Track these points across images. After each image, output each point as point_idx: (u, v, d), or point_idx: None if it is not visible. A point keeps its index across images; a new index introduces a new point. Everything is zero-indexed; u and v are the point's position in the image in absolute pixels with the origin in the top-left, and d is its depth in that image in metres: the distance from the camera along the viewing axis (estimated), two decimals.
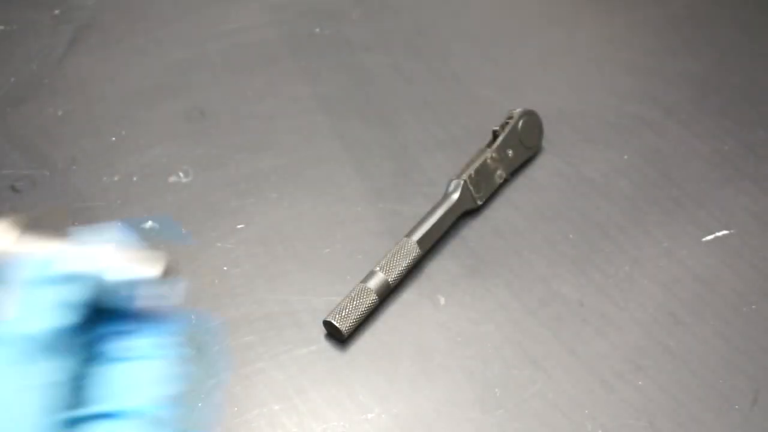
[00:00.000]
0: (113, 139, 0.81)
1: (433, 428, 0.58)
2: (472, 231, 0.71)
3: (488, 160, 0.72)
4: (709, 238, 0.70)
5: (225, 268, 0.69)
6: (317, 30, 0.93)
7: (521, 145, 0.75)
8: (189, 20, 0.95)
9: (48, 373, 0.30)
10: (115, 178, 0.77)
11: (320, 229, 0.72)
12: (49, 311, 0.31)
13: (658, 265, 0.68)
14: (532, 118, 0.76)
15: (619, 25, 0.93)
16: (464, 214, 0.71)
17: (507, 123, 0.75)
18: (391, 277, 0.64)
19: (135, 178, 0.77)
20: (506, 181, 0.74)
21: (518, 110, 0.75)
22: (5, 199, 0.76)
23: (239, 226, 0.72)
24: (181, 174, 0.77)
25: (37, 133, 0.82)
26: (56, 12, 0.96)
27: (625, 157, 0.77)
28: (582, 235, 0.70)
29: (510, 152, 0.74)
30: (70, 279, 0.33)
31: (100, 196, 0.76)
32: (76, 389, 0.32)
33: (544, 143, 0.78)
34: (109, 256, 0.35)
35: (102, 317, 0.34)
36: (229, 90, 0.86)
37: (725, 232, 0.70)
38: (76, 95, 0.86)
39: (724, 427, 0.58)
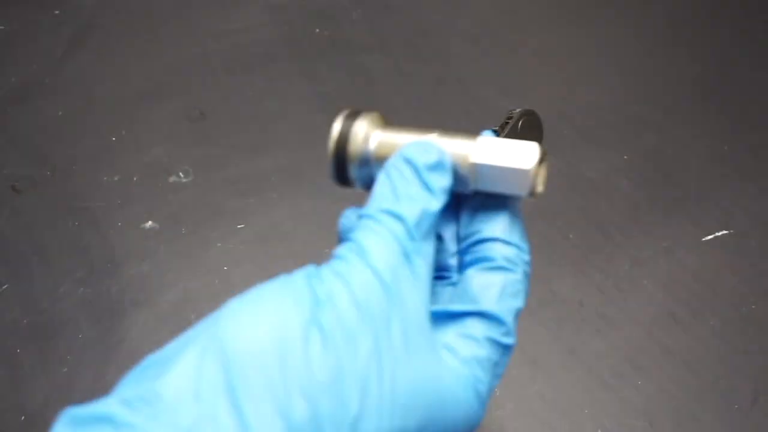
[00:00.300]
0: (113, 139, 0.81)
1: None
2: None
3: None
4: (708, 237, 0.70)
5: (225, 268, 0.69)
6: (317, 30, 0.93)
7: None
8: (189, 20, 0.95)
9: (423, 257, 0.32)
10: (115, 178, 0.77)
11: (320, 229, 0.72)
12: (423, 197, 0.33)
13: (657, 264, 0.68)
14: (532, 118, 0.76)
15: (620, 25, 0.93)
16: None
17: (507, 123, 0.74)
18: None
19: (135, 178, 0.77)
20: None
21: (518, 110, 0.75)
22: (5, 199, 0.76)
23: (239, 226, 0.72)
24: (181, 174, 0.77)
25: (37, 133, 0.82)
26: (56, 12, 0.96)
27: (625, 157, 0.77)
28: (582, 235, 0.70)
29: None
30: (442, 166, 0.34)
31: (100, 196, 0.76)
32: (436, 280, 0.34)
33: (544, 143, 0.78)
34: (483, 146, 0.35)
35: (469, 209, 0.36)
36: (229, 90, 0.86)
37: (725, 232, 0.70)
38: (76, 95, 0.86)
39: (724, 426, 0.58)
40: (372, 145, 0.36)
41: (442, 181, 0.34)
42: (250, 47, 0.91)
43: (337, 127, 0.37)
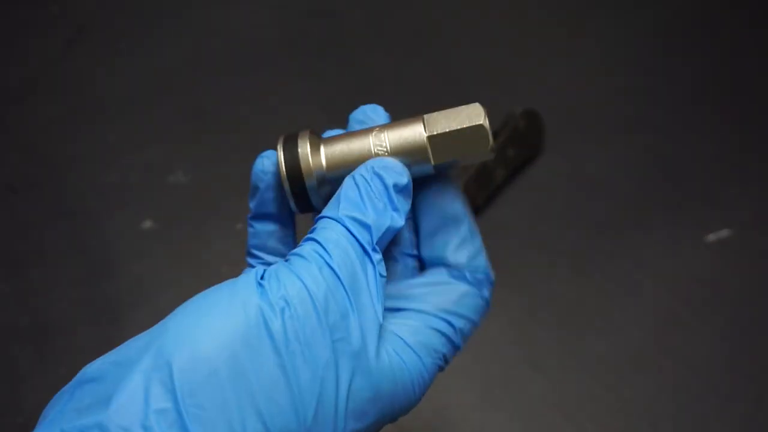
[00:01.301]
0: (113, 139, 0.81)
1: (433, 428, 0.58)
2: None
3: (488, 161, 0.71)
4: (710, 237, 0.69)
5: (223, 268, 0.68)
6: (317, 30, 0.93)
7: (522, 144, 0.74)
8: (189, 20, 0.95)
9: (381, 267, 0.32)
10: (113, 178, 0.77)
11: None
12: (389, 214, 0.33)
13: (659, 264, 0.67)
14: (532, 118, 0.76)
15: (620, 25, 0.93)
16: None
17: (507, 123, 0.74)
18: None
19: (134, 178, 0.77)
20: (506, 181, 0.74)
21: (519, 110, 0.75)
22: (2, 199, 0.75)
23: (237, 226, 0.72)
24: (181, 174, 0.77)
25: (37, 133, 0.82)
26: (56, 11, 0.96)
27: (626, 156, 0.77)
28: (582, 235, 0.70)
29: (510, 152, 0.73)
30: (408, 191, 0.34)
31: (99, 196, 0.75)
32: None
33: (546, 142, 0.77)
34: (431, 120, 0.36)
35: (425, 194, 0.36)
36: (229, 90, 0.86)
37: (727, 231, 0.70)
38: (76, 95, 0.86)
39: (727, 428, 0.57)
40: (323, 161, 0.36)
41: (407, 205, 0.34)
42: (250, 46, 0.91)
43: (282, 155, 0.36)
